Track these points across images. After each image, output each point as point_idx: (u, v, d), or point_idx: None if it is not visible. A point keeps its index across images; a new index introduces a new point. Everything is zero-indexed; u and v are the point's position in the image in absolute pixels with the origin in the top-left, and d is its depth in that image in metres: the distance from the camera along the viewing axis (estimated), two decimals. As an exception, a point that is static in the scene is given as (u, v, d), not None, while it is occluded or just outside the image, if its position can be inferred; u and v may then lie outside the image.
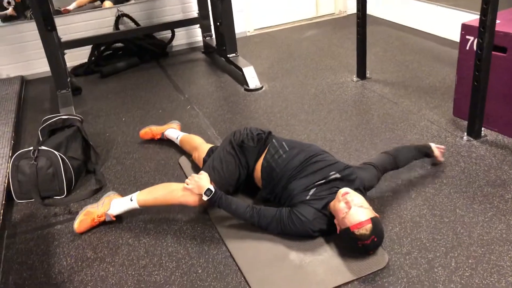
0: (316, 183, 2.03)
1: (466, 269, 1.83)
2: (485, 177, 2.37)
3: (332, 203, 1.96)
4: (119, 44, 4.55)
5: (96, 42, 4.37)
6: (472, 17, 2.89)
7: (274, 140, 2.27)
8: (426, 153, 2.46)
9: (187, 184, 2.14)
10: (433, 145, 2.46)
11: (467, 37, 2.72)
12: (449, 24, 4.27)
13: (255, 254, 2.00)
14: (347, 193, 1.91)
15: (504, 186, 2.28)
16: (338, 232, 1.90)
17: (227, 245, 2.07)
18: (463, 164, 2.49)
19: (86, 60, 4.49)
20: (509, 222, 2.05)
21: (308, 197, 1.99)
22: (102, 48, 4.47)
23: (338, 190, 1.96)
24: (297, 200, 2.02)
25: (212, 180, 2.16)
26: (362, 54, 3.60)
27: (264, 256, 1.98)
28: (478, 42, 2.48)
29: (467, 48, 2.73)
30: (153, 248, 2.11)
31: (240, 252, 2.02)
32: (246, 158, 2.26)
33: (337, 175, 2.04)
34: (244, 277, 1.89)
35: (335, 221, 1.93)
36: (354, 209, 1.84)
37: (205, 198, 2.07)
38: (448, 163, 2.51)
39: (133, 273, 1.98)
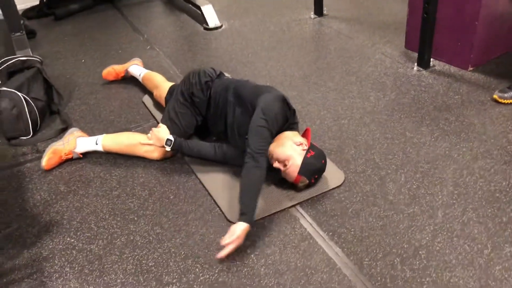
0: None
1: (414, 182, 2.04)
2: (433, 102, 2.56)
3: None
4: (71, -15, 4.39)
5: (46, -18, 4.21)
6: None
7: (213, 88, 2.26)
8: None
9: (149, 139, 2.23)
10: None
11: (418, -30, 2.82)
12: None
13: (222, 179, 2.14)
14: (275, 157, 1.95)
15: (449, 110, 2.49)
16: None
17: (196, 173, 2.19)
18: (413, 92, 2.67)
19: (37, 3, 4.33)
20: (452, 141, 2.26)
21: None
22: (53, -11, 4.31)
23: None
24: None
25: (171, 132, 2.22)
26: (319, -9, 3.66)
27: (230, 182, 2.12)
28: (427, -26, 2.59)
29: (418, -19, 2.84)
30: (125, 180, 2.21)
31: (209, 178, 2.15)
32: (198, 108, 2.30)
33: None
34: (214, 200, 2.03)
35: None
36: (284, 171, 1.94)
37: (167, 148, 2.16)
38: (399, 91, 2.69)
39: (107, 202, 2.09)
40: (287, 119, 2.05)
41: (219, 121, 2.23)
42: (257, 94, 2.07)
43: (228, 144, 2.19)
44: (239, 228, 1.72)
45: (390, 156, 2.20)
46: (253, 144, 1.89)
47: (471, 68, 2.84)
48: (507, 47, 2.97)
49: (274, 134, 1.98)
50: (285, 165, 1.94)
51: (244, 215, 1.76)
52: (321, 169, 2.01)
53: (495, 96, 2.51)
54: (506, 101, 2.48)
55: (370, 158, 2.20)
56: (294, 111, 2.10)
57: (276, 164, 1.97)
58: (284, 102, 2.03)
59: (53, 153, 2.30)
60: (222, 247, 1.71)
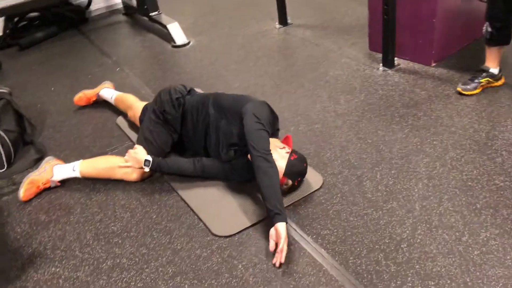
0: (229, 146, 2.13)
1: (390, 178, 2.10)
2: (400, 100, 2.64)
3: None
4: (35, 14, 4.37)
5: (8, 13, 4.15)
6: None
7: (187, 104, 2.29)
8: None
9: (126, 162, 2.24)
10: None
11: (374, -26, 2.92)
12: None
13: (203, 194, 2.16)
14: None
15: (417, 106, 2.57)
16: None
17: (177, 191, 2.20)
18: (381, 91, 2.75)
19: (0, 34, 4.29)
20: (422, 136, 2.34)
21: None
22: (16, 19, 4.28)
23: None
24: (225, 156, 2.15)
25: (148, 152, 2.22)
26: (282, 1, 3.74)
27: (211, 196, 2.14)
28: (383, -23, 2.69)
29: (375, -16, 2.94)
30: (105, 204, 2.21)
31: (190, 195, 2.17)
32: (172, 126, 2.32)
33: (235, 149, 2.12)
34: (197, 215, 2.05)
35: None
36: None
37: (146, 169, 2.18)
38: (368, 92, 2.76)
39: (90, 227, 2.08)
40: (273, 124, 2.11)
41: (198, 136, 2.25)
42: (241, 104, 2.10)
43: (207, 158, 2.21)
44: (282, 229, 1.77)
45: (365, 156, 2.26)
46: (259, 146, 1.91)
47: (434, 64, 2.95)
48: (466, 40, 3.09)
49: (269, 136, 2.01)
50: None
51: (279, 215, 1.80)
52: (304, 172, 2.06)
53: (458, 89, 2.61)
54: (469, 93, 2.58)
55: (346, 159, 2.26)
56: (277, 117, 2.16)
57: None
58: (269, 107, 2.10)
59: (30, 183, 2.28)
60: (272, 254, 1.76)
